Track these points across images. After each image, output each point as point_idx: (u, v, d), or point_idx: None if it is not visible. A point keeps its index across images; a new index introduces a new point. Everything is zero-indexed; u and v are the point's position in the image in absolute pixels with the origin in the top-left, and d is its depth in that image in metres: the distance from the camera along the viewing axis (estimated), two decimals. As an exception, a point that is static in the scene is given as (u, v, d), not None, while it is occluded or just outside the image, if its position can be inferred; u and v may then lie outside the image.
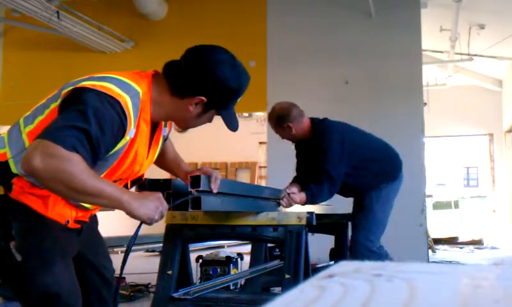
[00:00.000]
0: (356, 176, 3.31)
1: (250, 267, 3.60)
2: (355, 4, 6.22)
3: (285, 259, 2.47)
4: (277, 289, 3.60)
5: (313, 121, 3.37)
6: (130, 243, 1.70)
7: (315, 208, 3.23)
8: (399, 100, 5.98)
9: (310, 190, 3.12)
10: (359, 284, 0.50)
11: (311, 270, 2.52)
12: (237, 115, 1.76)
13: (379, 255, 3.24)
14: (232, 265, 3.83)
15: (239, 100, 1.70)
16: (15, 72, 7.93)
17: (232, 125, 1.71)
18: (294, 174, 3.63)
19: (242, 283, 3.67)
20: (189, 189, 1.79)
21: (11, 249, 1.52)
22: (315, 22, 6.42)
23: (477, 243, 8.52)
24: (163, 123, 1.74)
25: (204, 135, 10.22)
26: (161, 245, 2.69)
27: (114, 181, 1.59)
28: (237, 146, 11.96)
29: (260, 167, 12.25)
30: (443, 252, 7.41)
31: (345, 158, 3.22)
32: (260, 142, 11.75)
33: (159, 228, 3.08)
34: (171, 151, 2.01)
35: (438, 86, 11.51)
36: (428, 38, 7.87)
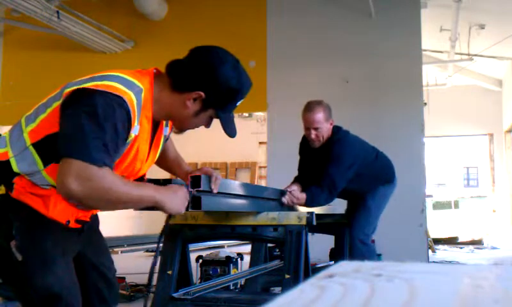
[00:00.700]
0: (356, 182, 3.42)
1: (250, 267, 3.60)
2: (355, 4, 6.22)
3: (285, 259, 2.47)
4: (277, 289, 3.60)
5: (333, 128, 3.42)
6: (165, 227, 1.87)
7: (316, 208, 3.24)
8: (399, 100, 5.98)
9: (311, 192, 3.16)
10: (359, 284, 0.50)
11: (311, 270, 2.52)
12: (237, 115, 1.76)
13: (371, 248, 3.53)
14: (232, 265, 3.83)
15: (238, 104, 1.69)
16: (15, 72, 7.93)
17: (230, 130, 1.69)
18: (294, 174, 3.64)
19: (242, 283, 3.67)
20: (189, 189, 1.79)
21: (12, 248, 1.52)
22: (315, 22, 6.42)
23: (477, 243, 8.52)
24: (164, 122, 1.74)
25: (204, 135, 10.21)
26: (161, 245, 2.69)
27: None
28: (237, 146, 11.96)
29: (260, 167, 12.26)
30: (443, 252, 7.41)
31: (351, 174, 3.33)
32: (260, 142, 11.76)
33: (159, 228, 3.08)
34: (172, 151, 2.00)
35: (438, 86, 11.51)
36: (428, 38, 7.88)
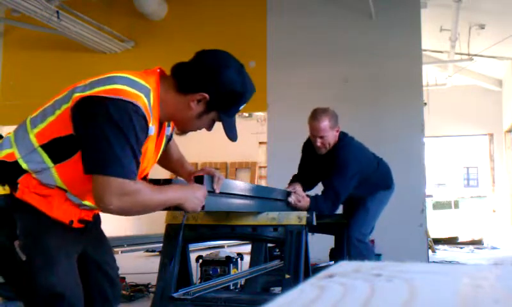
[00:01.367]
0: (357, 189, 3.45)
1: (250, 267, 3.59)
2: (355, 4, 6.22)
3: (285, 259, 2.47)
4: (277, 289, 3.60)
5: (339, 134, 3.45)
6: (179, 232, 1.99)
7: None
8: (399, 100, 5.98)
9: (315, 200, 3.20)
10: (359, 284, 0.50)
11: (311, 270, 2.52)
12: (237, 115, 1.76)
13: (369, 246, 3.59)
14: (232, 265, 3.83)
15: (241, 108, 1.71)
16: (15, 72, 7.93)
17: (231, 134, 1.71)
18: (294, 173, 3.64)
19: (242, 283, 3.67)
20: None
21: (16, 248, 1.52)
22: (315, 22, 6.42)
23: (477, 243, 8.51)
24: (166, 122, 1.75)
25: (204, 135, 10.22)
26: (161, 245, 2.69)
27: None
28: (237, 146, 11.91)
29: (260, 167, 12.26)
30: (443, 252, 7.41)
31: (354, 183, 3.36)
32: (260, 142, 11.75)
33: (159, 228, 3.08)
34: (175, 152, 2.02)
35: (438, 86, 11.51)
36: (428, 38, 7.88)
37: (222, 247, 7.44)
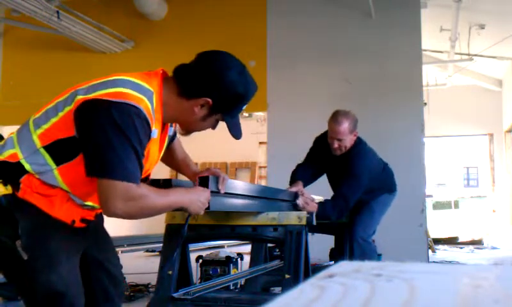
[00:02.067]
0: (362, 193, 3.45)
1: (250, 267, 3.59)
2: (355, 4, 6.22)
3: (285, 259, 2.47)
4: (277, 289, 3.60)
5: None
6: (183, 231, 2.03)
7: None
8: (399, 100, 5.97)
9: (323, 206, 3.19)
10: (359, 284, 0.50)
11: (311, 270, 2.52)
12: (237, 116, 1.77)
13: (372, 246, 3.60)
14: (232, 265, 3.83)
15: (244, 108, 1.72)
16: (15, 72, 7.93)
17: (236, 133, 1.72)
18: (295, 166, 3.63)
19: (242, 283, 3.67)
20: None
21: (17, 247, 1.53)
22: (315, 22, 6.41)
23: (477, 243, 8.51)
24: (168, 123, 1.75)
25: (204, 135, 10.21)
26: (161, 245, 2.69)
27: None
28: (237, 146, 11.91)
29: (260, 167, 12.25)
30: (443, 252, 7.41)
31: (364, 188, 3.37)
32: (260, 142, 11.75)
33: (159, 228, 3.08)
34: (180, 152, 2.04)
35: (438, 86, 11.51)
36: (428, 38, 7.87)
37: (222, 247, 7.44)
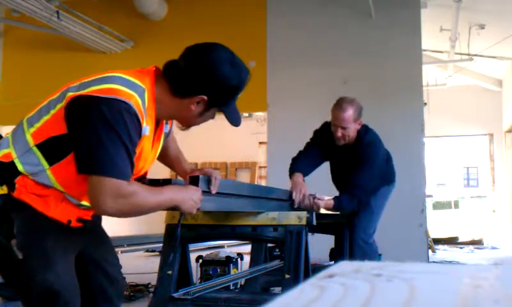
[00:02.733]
0: None
1: (250, 267, 3.59)
2: (355, 4, 6.21)
3: (285, 259, 2.47)
4: (277, 289, 3.60)
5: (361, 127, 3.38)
6: (177, 228, 2.00)
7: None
8: (399, 100, 5.97)
9: (339, 201, 3.16)
10: (359, 284, 0.50)
11: (311, 270, 2.52)
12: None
13: (373, 247, 3.54)
14: (232, 265, 3.83)
15: (239, 95, 1.71)
16: (15, 72, 7.92)
17: (234, 120, 1.72)
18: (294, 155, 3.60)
19: (242, 283, 3.67)
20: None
21: (13, 247, 1.53)
22: (315, 22, 6.41)
23: (477, 243, 8.51)
24: (164, 121, 1.75)
25: (204, 135, 10.22)
26: (161, 245, 2.69)
27: None
28: (237, 146, 11.95)
29: (260, 167, 12.25)
30: (443, 252, 7.41)
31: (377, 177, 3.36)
32: (260, 142, 11.75)
33: (159, 228, 3.08)
34: (174, 149, 2.02)
35: (438, 86, 11.50)
36: (428, 38, 7.87)
37: (222, 247, 7.44)
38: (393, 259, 0.69)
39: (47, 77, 7.34)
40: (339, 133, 3.23)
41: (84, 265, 1.74)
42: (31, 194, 1.53)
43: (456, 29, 7.79)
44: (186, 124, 1.73)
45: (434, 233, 8.25)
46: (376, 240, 3.72)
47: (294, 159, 3.50)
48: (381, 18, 6.14)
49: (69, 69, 7.23)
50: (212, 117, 1.72)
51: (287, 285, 2.33)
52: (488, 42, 8.54)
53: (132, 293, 3.97)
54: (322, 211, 3.22)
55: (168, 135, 1.88)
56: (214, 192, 1.89)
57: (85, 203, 1.63)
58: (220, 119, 1.75)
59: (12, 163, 1.53)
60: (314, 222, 2.60)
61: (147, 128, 1.56)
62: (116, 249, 7.51)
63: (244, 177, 12.26)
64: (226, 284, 3.19)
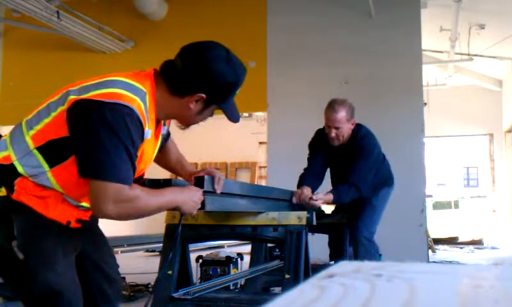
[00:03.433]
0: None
1: (250, 267, 3.59)
2: (355, 4, 6.21)
3: (285, 259, 2.47)
4: (277, 289, 3.60)
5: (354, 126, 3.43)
6: (177, 230, 2.00)
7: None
8: (399, 100, 5.97)
9: (337, 192, 3.20)
10: (359, 284, 0.50)
11: (311, 270, 2.52)
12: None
13: (375, 245, 3.56)
14: (231, 265, 3.83)
15: (237, 91, 1.72)
16: (14, 72, 7.92)
17: (233, 117, 1.73)
18: (294, 173, 3.63)
19: (242, 283, 3.67)
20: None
21: (13, 247, 1.53)
22: (315, 22, 6.41)
23: (477, 243, 8.52)
24: (162, 121, 1.75)
25: (204, 135, 10.22)
26: (161, 245, 2.70)
27: None
28: (237, 146, 11.96)
29: (260, 167, 12.25)
30: (443, 252, 7.41)
31: (375, 170, 3.40)
32: (260, 142, 11.75)
33: (159, 228, 3.08)
34: (174, 153, 2.02)
35: (438, 86, 11.51)
36: (428, 38, 7.87)
37: (222, 247, 7.44)
38: (393, 259, 0.69)
39: (47, 77, 7.34)
40: (333, 133, 3.31)
41: (83, 265, 1.74)
42: (30, 195, 1.53)
43: (455, 29, 7.79)
44: (186, 123, 1.73)
45: (434, 233, 8.25)
46: (376, 240, 3.72)
47: (300, 176, 3.56)
48: (381, 18, 6.14)
49: (69, 69, 7.23)
50: (211, 115, 1.73)
51: (287, 285, 2.33)
52: (487, 42, 8.54)
53: (132, 293, 3.97)
54: (324, 207, 3.25)
55: (165, 135, 1.88)
56: (218, 191, 1.90)
57: (84, 204, 1.63)
58: (220, 119, 1.76)
59: (12, 165, 1.53)
60: (314, 222, 2.60)
61: (149, 131, 1.57)
62: (116, 249, 7.53)
63: (244, 177, 12.27)
64: (226, 284, 3.19)
